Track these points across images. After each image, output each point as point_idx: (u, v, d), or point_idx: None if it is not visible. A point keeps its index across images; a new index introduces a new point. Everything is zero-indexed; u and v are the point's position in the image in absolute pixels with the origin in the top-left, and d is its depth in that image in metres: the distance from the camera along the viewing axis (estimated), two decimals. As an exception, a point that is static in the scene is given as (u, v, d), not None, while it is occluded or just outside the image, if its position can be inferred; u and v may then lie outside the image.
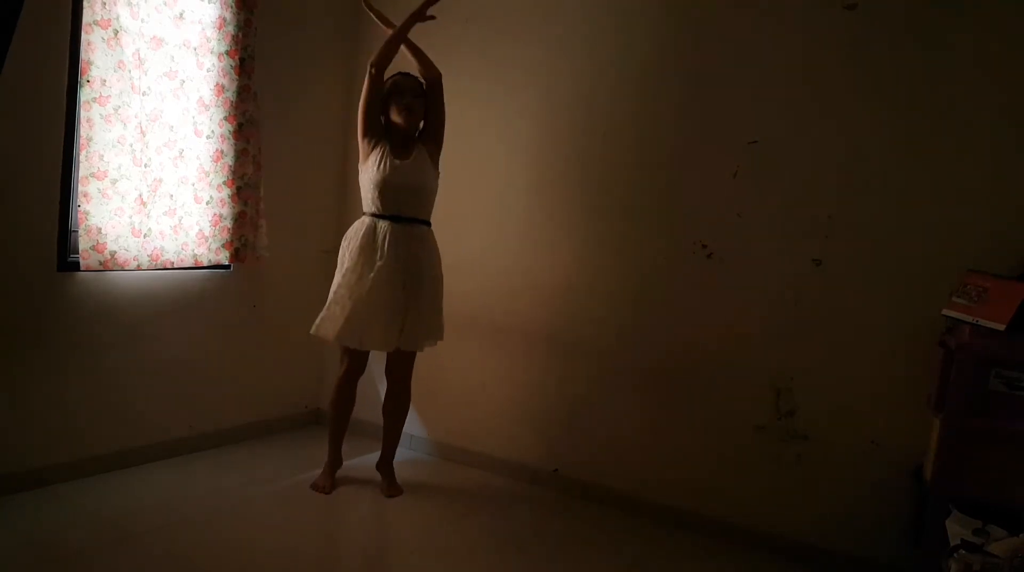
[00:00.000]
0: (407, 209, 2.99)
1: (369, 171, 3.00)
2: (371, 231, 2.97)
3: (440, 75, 3.05)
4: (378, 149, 3.00)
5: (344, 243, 3.07)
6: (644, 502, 3.19)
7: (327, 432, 3.25)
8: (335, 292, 2.99)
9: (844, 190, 2.80)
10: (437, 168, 3.09)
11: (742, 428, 2.99)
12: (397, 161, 2.97)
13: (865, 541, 2.75)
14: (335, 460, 3.23)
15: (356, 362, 3.12)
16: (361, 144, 3.05)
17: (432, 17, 2.99)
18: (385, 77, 3.03)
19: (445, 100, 3.08)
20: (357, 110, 3.05)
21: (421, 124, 3.10)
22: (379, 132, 3.04)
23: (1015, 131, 2.54)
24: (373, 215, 3.01)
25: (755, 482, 2.97)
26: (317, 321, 3.00)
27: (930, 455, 2.44)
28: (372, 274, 2.91)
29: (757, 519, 2.96)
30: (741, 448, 2.99)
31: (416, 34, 3.06)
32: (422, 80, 3.05)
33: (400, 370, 3.16)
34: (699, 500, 3.08)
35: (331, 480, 3.18)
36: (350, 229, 3.08)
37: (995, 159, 2.57)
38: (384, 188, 2.96)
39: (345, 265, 3.00)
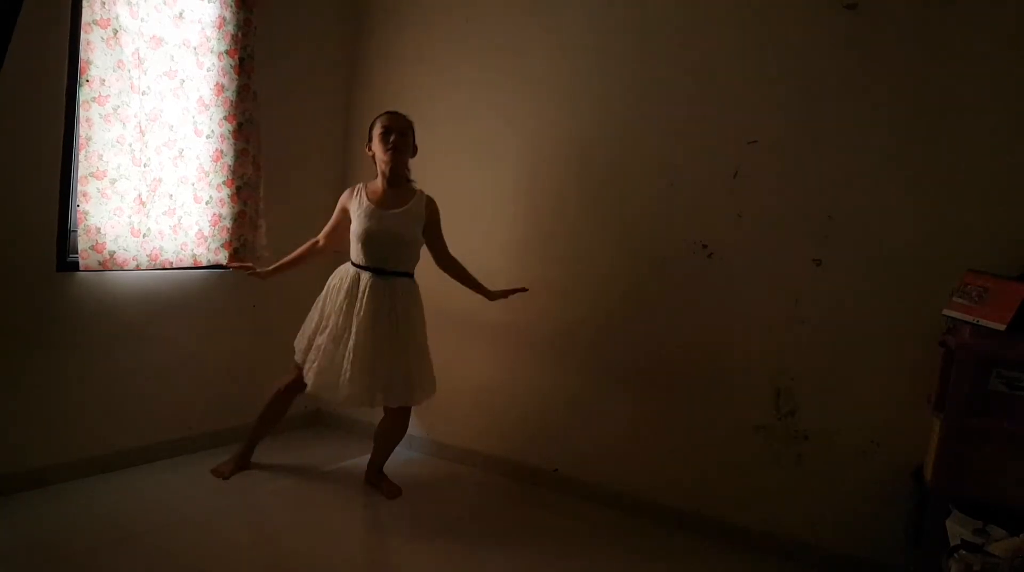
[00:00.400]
0: (391, 262, 2.98)
1: (353, 223, 3.01)
2: (354, 282, 2.98)
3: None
4: (356, 199, 3.03)
5: (328, 285, 3.09)
6: (644, 502, 3.19)
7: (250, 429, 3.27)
8: (320, 343, 2.99)
9: (844, 190, 2.80)
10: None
11: (742, 428, 2.99)
12: (383, 211, 2.97)
13: (865, 541, 2.75)
14: (244, 458, 3.27)
15: (302, 381, 3.09)
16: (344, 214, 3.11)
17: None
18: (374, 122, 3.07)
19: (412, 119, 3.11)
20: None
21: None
22: (347, 198, 3.10)
23: (1015, 131, 2.54)
24: (357, 266, 3.02)
25: (755, 482, 2.97)
26: (308, 371, 3.02)
27: (930, 455, 2.44)
28: (353, 329, 2.91)
29: (757, 519, 2.96)
30: (741, 448, 2.99)
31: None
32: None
33: (396, 412, 3.14)
34: (699, 500, 3.08)
35: (232, 468, 3.23)
36: (338, 270, 3.10)
37: (995, 159, 2.57)
38: (367, 240, 2.95)
39: (326, 311, 3.03)
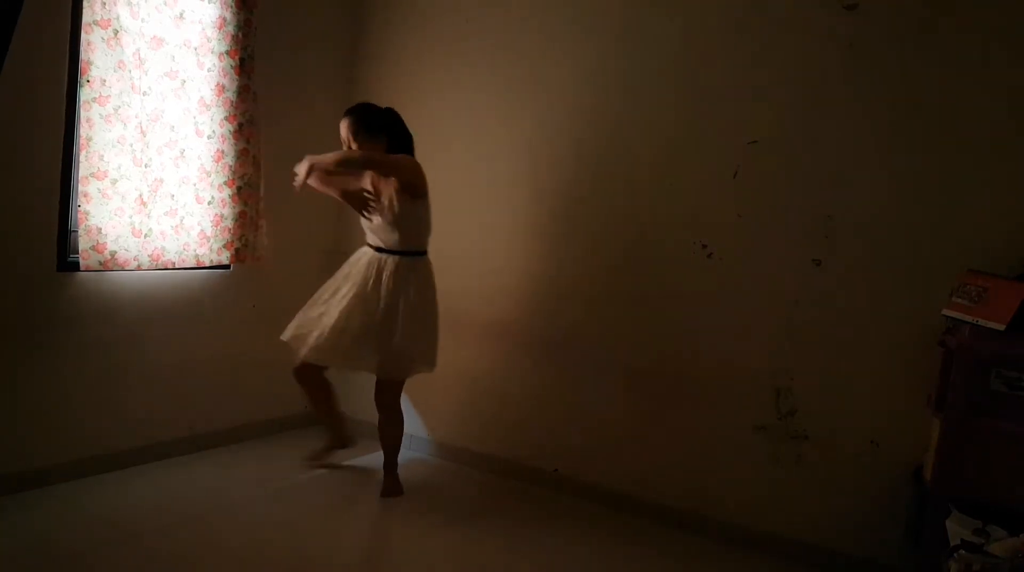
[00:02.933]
0: (386, 242, 3.06)
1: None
2: (357, 258, 3.15)
3: (398, 177, 3.00)
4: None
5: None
6: (644, 502, 3.19)
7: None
8: (320, 306, 3.11)
9: (844, 190, 2.80)
10: (409, 198, 3.01)
11: (742, 428, 2.99)
12: (373, 203, 3.09)
13: (865, 541, 2.75)
14: (337, 438, 3.41)
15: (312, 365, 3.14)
16: None
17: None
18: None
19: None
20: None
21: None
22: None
23: (1015, 131, 2.54)
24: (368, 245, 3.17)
25: (755, 482, 2.97)
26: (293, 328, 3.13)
27: (930, 455, 2.44)
28: (343, 298, 3.04)
29: (757, 519, 2.96)
30: (741, 448, 2.99)
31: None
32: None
33: (380, 397, 3.17)
34: (699, 500, 3.08)
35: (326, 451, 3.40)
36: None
37: (995, 159, 2.57)
38: (369, 223, 3.13)
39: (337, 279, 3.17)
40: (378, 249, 3.08)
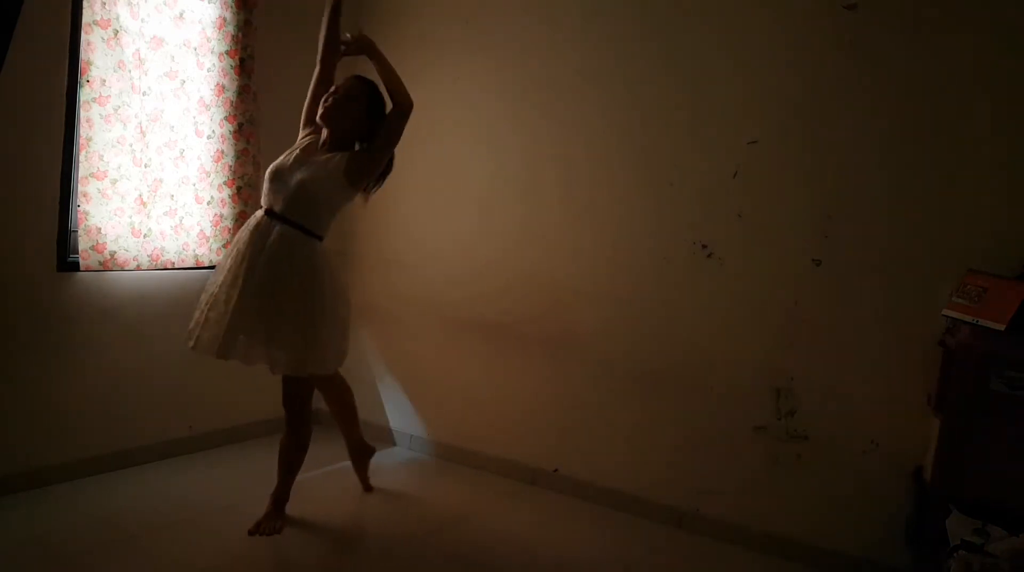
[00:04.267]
0: (286, 208, 2.56)
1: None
2: (251, 223, 2.61)
3: (408, 105, 2.61)
4: (306, 140, 2.73)
5: None
6: (644, 502, 3.19)
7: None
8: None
9: (844, 190, 2.80)
10: (350, 185, 2.62)
11: (742, 428, 2.99)
12: (303, 155, 2.63)
13: (865, 541, 2.75)
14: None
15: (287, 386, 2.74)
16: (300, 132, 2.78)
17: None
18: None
19: (407, 125, 2.66)
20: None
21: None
22: (315, 125, 2.71)
23: (1015, 131, 2.54)
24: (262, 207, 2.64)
25: (755, 482, 2.97)
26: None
27: (930, 455, 2.43)
28: (226, 267, 2.57)
29: (757, 519, 2.96)
30: (741, 448, 2.99)
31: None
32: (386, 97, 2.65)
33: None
34: (699, 500, 3.08)
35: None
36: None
37: (995, 159, 2.57)
38: (271, 177, 2.60)
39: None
40: (268, 212, 2.58)
